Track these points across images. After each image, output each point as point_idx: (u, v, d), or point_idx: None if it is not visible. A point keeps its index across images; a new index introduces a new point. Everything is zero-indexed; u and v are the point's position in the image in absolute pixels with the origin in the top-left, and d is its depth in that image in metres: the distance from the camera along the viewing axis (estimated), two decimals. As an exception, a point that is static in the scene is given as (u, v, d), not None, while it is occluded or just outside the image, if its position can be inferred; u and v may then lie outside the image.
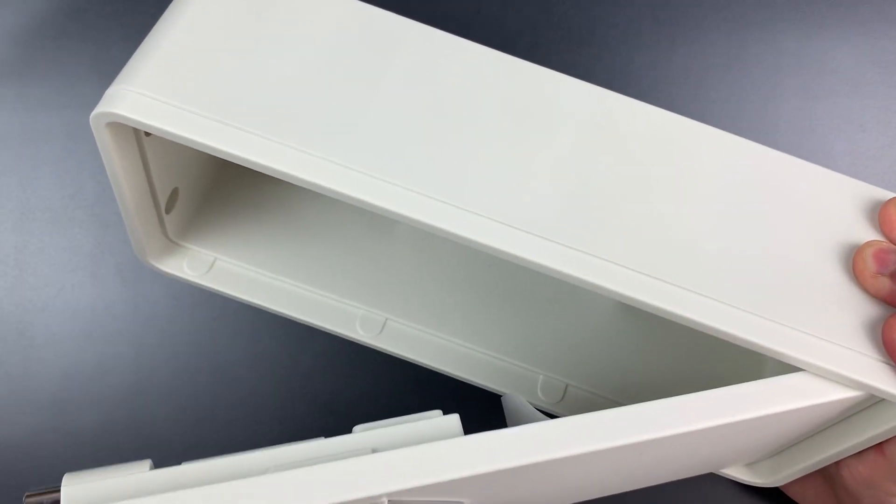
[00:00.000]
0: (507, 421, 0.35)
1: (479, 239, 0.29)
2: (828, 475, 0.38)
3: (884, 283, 0.31)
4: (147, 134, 0.32)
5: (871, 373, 0.29)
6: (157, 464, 0.30)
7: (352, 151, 0.30)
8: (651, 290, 0.29)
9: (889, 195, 0.33)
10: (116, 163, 0.32)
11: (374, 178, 0.30)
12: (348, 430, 0.34)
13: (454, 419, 0.29)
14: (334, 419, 0.44)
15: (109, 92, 0.30)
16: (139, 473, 0.27)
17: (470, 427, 0.29)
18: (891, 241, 0.32)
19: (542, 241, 0.29)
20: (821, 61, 0.44)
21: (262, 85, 0.31)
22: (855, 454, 0.35)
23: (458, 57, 0.33)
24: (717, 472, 0.40)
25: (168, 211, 0.37)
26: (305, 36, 0.32)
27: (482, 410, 0.43)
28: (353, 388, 0.44)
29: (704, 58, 0.44)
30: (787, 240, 0.32)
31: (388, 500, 0.26)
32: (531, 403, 0.35)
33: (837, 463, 0.36)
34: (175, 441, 0.44)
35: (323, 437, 0.30)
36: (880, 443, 0.33)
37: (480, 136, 0.31)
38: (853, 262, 0.32)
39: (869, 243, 0.32)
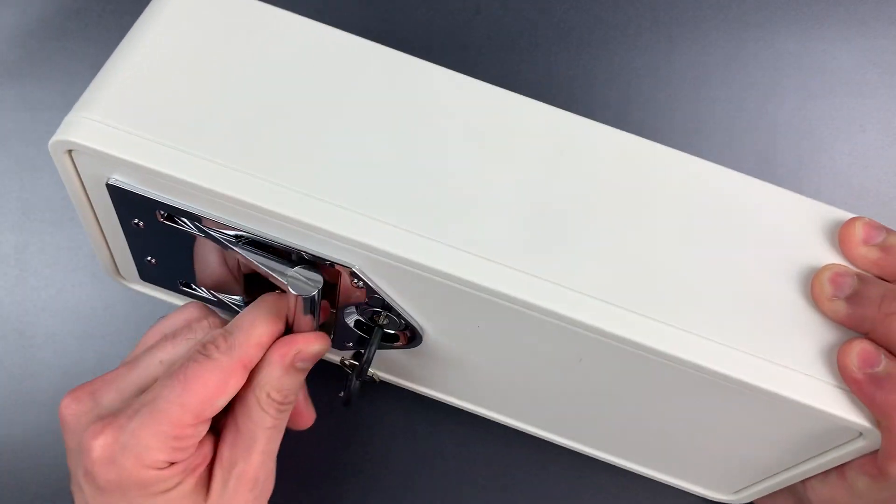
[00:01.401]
0: None
1: (434, 265, 0.29)
2: (795, 494, 0.38)
3: (840, 307, 0.31)
4: None
5: (827, 398, 0.29)
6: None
7: (312, 180, 0.30)
8: (604, 315, 0.29)
9: (849, 216, 0.33)
10: (77, 188, 0.32)
11: (335, 207, 0.29)
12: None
13: None
14: (334, 419, 0.44)
15: (68, 119, 0.30)
16: None
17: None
18: (850, 260, 0.32)
19: (498, 267, 0.29)
20: (821, 61, 0.44)
21: (221, 112, 0.31)
22: (819, 477, 0.35)
23: (419, 80, 0.33)
24: (681, 487, 0.40)
25: None
26: (266, 61, 0.32)
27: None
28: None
29: (704, 58, 0.44)
30: (747, 264, 0.31)
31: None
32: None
33: (804, 483, 0.36)
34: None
35: None
36: (843, 467, 0.33)
37: (440, 160, 0.31)
38: (811, 285, 0.32)
39: (826, 267, 0.32)
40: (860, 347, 0.30)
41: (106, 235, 0.35)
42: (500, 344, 0.33)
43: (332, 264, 0.31)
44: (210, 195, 0.29)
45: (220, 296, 0.37)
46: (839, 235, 0.32)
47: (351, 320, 0.35)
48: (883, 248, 0.32)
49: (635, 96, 0.44)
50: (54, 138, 0.30)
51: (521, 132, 0.33)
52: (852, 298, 0.31)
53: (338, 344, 0.37)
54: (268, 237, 0.31)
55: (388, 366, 0.39)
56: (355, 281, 0.31)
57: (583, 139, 0.33)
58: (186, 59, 0.31)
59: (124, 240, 0.35)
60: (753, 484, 0.38)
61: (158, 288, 0.39)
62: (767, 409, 0.31)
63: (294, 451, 0.45)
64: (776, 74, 0.44)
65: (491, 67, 0.44)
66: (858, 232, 0.32)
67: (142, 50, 0.31)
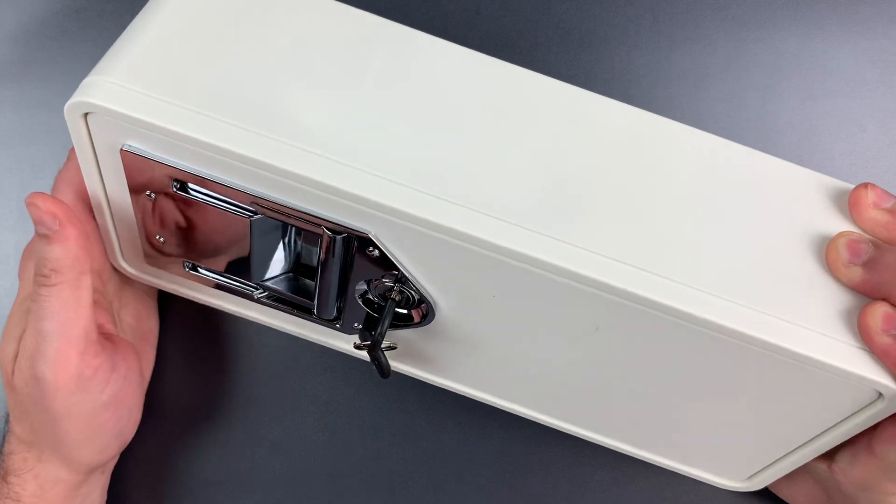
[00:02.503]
0: None
1: (453, 225, 0.29)
2: (821, 480, 0.38)
3: (856, 273, 0.31)
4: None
5: (849, 358, 0.30)
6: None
7: (330, 143, 0.30)
8: (623, 276, 0.29)
9: (853, 186, 0.34)
10: (89, 156, 0.32)
11: (353, 169, 0.29)
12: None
13: None
14: (335, 419, 0.44)
15: (86, 81, 0.30)
16: None
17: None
18: (859, 225, 0.33)
19: (515, 228, 0.29)
20: (821, 61, 0.44)
21: (239, 78, 0.31)
22: (846, 458, 0.35)
23: (435, 57, 0.33)
24: (691, 474, 0.40)
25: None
26: (285, 34, 0.32)
27: (481, 415, 0.43)
28: (353, 387, 0.44)
29: (704, 58, 0.44)
30: (762, 232, 0.32)
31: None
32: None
33: (831, 467, 0.36)
34: (173, 435, 0.44)
35: None
36: (871, 443, 0.33)
37: (458, 131, 0.32)
38: (826, 252, 0.32)
39: (841, 234, 0.32)
40: (884, 310, 0.30)
41: (113, 212, 0.35)
42: (513, 315, 0.33)
43: (349, 234, 0.31)
44: (228, 156, 0.29)
45: (228, 279, 0.37)
46: (850, 199, 0.33)
47: (360, 298, 0.35)
48: (892, 211, 0.32)
49: (635, 96, 0.44)
50: (72, 100, 0.29)
51: (537, 105, 0.33)
52: (869, 264, 0.31)
53: (346, 327, 0.37)
54: (284, 203, 0.30)
55: (396, 353, 0.39)
56: (370, 250, 0.31)
57: (598, 113, 0.33)
58: (203, 29, 0.32)
59: (132, 217, 0.35)
60: (768, 466, 0.37)
61: (161, 275, 0.38)
62: (785, 374, 0.31)
63: (294, 450, 0.45)
64: (776, 74, 0.44)
65: (491, 67, 0.44)
66: (870, 195, 0.33)
67: (159, 20, 0.31)
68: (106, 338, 0.37)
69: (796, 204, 0.33)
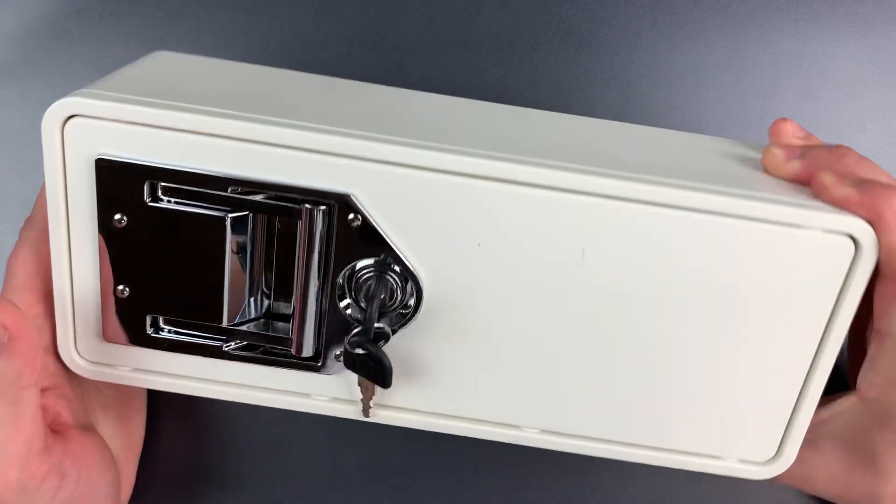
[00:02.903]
0: None
1: (431, 163, 0.32)
2: (851, 427, 0.37)
3: (795, 164, 0.35)
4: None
5: (817, 207, 0.32)
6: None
7: (303, 117, 0.33)
8: (598, 177, 0.32)
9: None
10: (58, 173, 0.32)
11: (328, 131, 0.32)
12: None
13: None
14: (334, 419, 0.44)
15: (64, 99, 0.31)
16: None
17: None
18: None
19: (496, 159, 0.32)
20: (821, 61, 0.44)
21: (209, 89, 0.35)
22: (867, 367, 0.35)
23: (388, 94, 0.40)
24: (711, 468, 0.38)
25: None
26: (254, 79, 0.39)
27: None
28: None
29: (704, 58, 0.44)
30: (703, 157, 0.37)
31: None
32: None
33: (859, 395, 0.36)
34: (172, 436, 0.44)
35: None
36: (876, 329, 0.35)
37: (419, 114, 0.38)
38: (763, 159, 0.36)
39: (772, 142, 0.36)
40: (832, 172, 0.33)
41: (73, 265, 0.34)
42: (501, 271, 0.34)
43: (329, 203, 0.32)
44: (206, 136, 0.31)
45: (196, 331, 0.35)
46: (771, 130, 0.38)
47: (345, 308, 0.34)
48: (807, 136, 0.37)
49: (635, 96, 0.44)
50: (53, 105, 0.31)
51: (504, 114, 0.39)
52: (804, 156, 0.35)
53: (327, 364, 0.35)
54: (262, 180, 0.32)
55: (378, 396, 0.37)
56: (351, 218, 0.32)
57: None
58: (168, 70, 0.37)
59: (94, 265, 0.34)
60: (788, 428, 0.36)
61: (118, 357, 0.36)
62: (767, 252, 0.33)
63: (294, 451, 0.45)
64: (776, 74, 0.44)
65: (491, 67, 0.44)
66: (789, 126, 0.37)
67: (123, 74, 0.36)
68: (59, 437, 0.35)
69: (726, 145, 0.40)
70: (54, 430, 0.35)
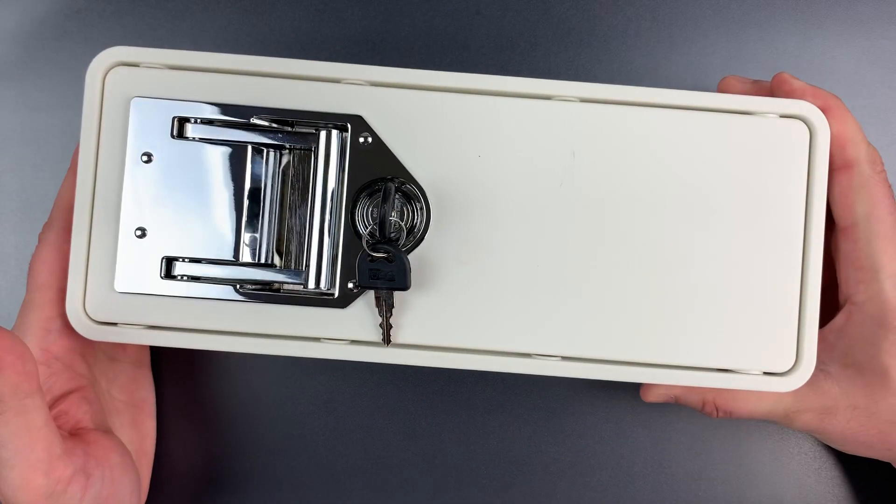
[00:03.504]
0: None
1: (437, 81, 0.36)
2: (869, 369, 0.36)
3: (748, 83, 0.40)
4: None
5: (766, 98, 0.36)
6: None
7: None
8: (585, 85, 0.36)
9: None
10: (94, 117, 0.35)
11: (335, 62, 0.36)
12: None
13: None
14: (334, 418, 0.44)
15: (106, 50, 0.35)
16: None
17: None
18: None
19: (500, 76, 0.36)
20: (821, 61, 0.44)
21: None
22: (862, 290, 0.36)
23: None
24: (731, 383, 0.36)
25: None
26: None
27: (489, 399, 0.43)
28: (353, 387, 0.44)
29: (704, 58, 0.44)
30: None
31: None
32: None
33: (847, 307, 0.37)
34: (173, 436, 0.44)
35: None
36: (840, 230, 0.36)
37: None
38: (719, 87, 0.41)
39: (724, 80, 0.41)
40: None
41: (94, 208, 0.35)
42: (500, 176, 0.36)
43: (343, 124, 0.35)
44: (233, 76, 0.36)
45: (210, 267, 0.35)
46: (719, 87, 0.41)
47: (361, 220, 0.36)
48: (755, 82, 0.40)
49: (635, 96, 0.44)
50: (100, 55, 0.35)
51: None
52: (757, 82, 0.39)
53: (342, 295, 0.35)
54: (282, 108, 0.35)
55: (393, 336, 0.36)
56: (362, 138, 0.35)
57: None
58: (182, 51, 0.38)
59: (112, 215, 0.35)
60: (800, 329, 0.36)
61: (129, 311, 0.36)
62: (732, 146, 0.36)
63: (294, 450, 0.45)
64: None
65: (491, 67, 0.44)
66: (736, 81, 0.40)
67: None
68: (79, 440, 0.35)
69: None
70: (73, 433, 0.35)
